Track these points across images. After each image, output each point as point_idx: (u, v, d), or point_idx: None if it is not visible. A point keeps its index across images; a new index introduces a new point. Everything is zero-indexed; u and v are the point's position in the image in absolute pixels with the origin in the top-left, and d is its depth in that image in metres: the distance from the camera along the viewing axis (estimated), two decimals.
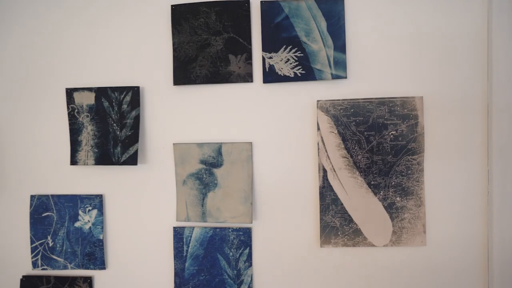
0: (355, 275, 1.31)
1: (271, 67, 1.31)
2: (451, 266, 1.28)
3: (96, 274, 1.42)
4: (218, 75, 1.33)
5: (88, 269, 1.41)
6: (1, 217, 1.45)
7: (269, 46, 1.31)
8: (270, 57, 1.31)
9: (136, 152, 1.35)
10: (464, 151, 1.26)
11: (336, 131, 1.29)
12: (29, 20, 1.41)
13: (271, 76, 1.31)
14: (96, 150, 1.37)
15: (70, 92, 1.39)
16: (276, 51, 1.31)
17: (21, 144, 1.43)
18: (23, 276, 1.44)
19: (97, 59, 1.39)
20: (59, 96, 1.41)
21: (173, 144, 1.36)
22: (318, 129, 1.30)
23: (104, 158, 1.37)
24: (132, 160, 1.35)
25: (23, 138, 1.43)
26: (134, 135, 1.36)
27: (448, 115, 1.26)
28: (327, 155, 1.30)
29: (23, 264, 1.44)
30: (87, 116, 1.38)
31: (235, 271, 1.35)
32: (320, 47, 1.29)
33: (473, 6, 1.24)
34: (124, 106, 1.36)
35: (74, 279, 1.42)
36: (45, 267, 1.42)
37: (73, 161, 1.39)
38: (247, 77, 1.32)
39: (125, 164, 1.36)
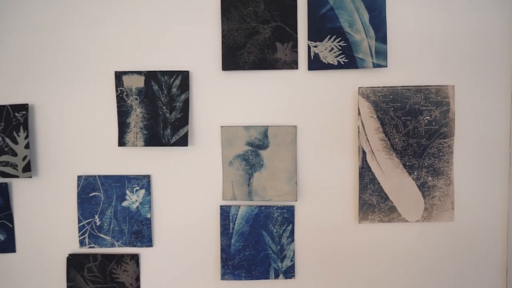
0: (390, 248, 1.43)
1: (316, 55, 1.40)
2: (475, 240, 1.43)
3: (142, 251, 1.48)
4: (265, 61, 1.41)
5: (135, 246, 1.46)
6: (49, 197, 1.47)
7: (314, 35, 1.39)
8: (315, 46, 1.40)
9: (186, 134, 1.41)
10: (489, 135, 1.40)
11: (375, 116, 1.40)
12: (81, 3, 1.43)
13: (315, 63, 1.40)
14: (146, 132, 1.42)
15: (119, 75, 1.42)
16: (321, 40, 1.39)
17: (69, 126, 1.46)
18: (70, 255, 1.48)
19: (146, 43, 1.43)
20: (107, 79, 1.44)
21: (221, 127, 1.43)
22: (359, 114, 1.40)
23: (153, 139, 1.42)
24: (183, 142, 1.41)
25: (71, 120, 1.46)
26: (183, 118, 1.41)
27: (476, 102, 1.40)
28: (367, 138, 1.41)
29: (70, 242, 1.48)
30: (136, 99, 1.43)
31: (278, 246, 1.44)
32: (362, 38, 1.38)
33: (503, 3, 1.37)
34: (174, 90, 1.42)
35: (121, 256, 1.47)
36: (92, 245, 1.47)
37: (121, 143, 1.43)
38: (293, 64, 1.41)
39: (175, 145, 1.41)
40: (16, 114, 1.45)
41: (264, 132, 1.42)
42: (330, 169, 1.43)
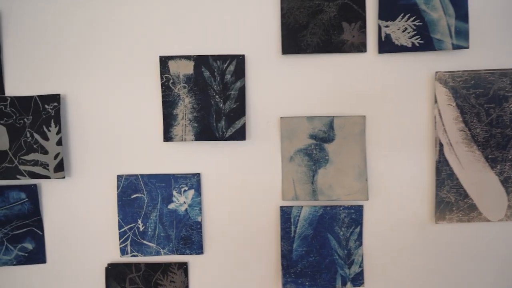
0: (470, 251, 1.29)
1: (388, 36, 1.25)
2: None
3: (192, 259, 1.31)
4: (330, 44, 1.25)
5: (183, 254, 1.30)
6: (84, 200, 1.30)
7: (386, 14, 1.24)
8: (387, 26, 1.24)
9: (243, 126, 1.25)
10: None
11: (454, 104, 1.25)
12: None
13: (387, 46, 1.25)
14: (196, 125, 1.26)
15: (164, 61, 1.25)
16: (393, 20, 1.24)
17: (106, 119, 1.29)
18: (109, 264, 1.30)
19: (195, 24, 1.26)
20: (151, 65, 1.27)
21: (280, 117, 1.27)
22: (436, 101, 1.25)
23: (205, 133, 1.25)
24: (239, 135, 1.25)
25: (108, 113, 1.29)
26: (240, 108, 1.25)
27: None
28: (444, 128, 1.26)
29: (109, 251, 1.31)
30: (184, 87, 1.26)
31: (345, 251, 1.29)
32: (440, 16, 1.23)
33: None
34: (228, 77, 1.25)
35: (167, 265, 1.30)
36: (135, 253, 1.30)
37: (167, 137, 1.26)
38: (361, 47, 1.25)
39: (231, 139, 1.25)
40: (46, 106, 1.27)
41: (330, 123, 1.26)
42: (403, 163, 1.28)
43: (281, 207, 1.28)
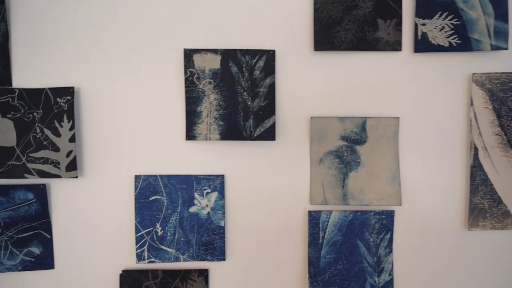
0: (504, 259, 1.25)
1: (424, 35, 1.19)
2: None
3: (213, 266, 1.23)
4: (364, 41, 1.19)
5: (204, 260, 1.22)
6: (98, 202, 1.20)
7: (423, 11, 1.19)
8: (423, 24, 1.19)
9: (273, 126, 1.17)
10: None
11: (490, 107, 1.21)
12: None
13: (423, 45, 1.19)
14: (222, 123, 1.18)
15: (189, 54, 1.17)
16: (431, 18, 1.19)
17: (124, 115, 1.20)
18: (123, 271, 1.21)
19: (222, 15, 1.18)
20: (174, 58, 1.18)
21: (311, 117, 1.20)
22: (471, 104, 1.21)
23: (232, 132, 1.18)
24: (269, 135, 1.18)
25: (126, 108, 1.20)
26: (269, 106, 1.18)
27: None
28: (479, 132, 1.21)
29: (124, 257, 1.22)
30: (210, 82, 1.18)
31: (375, 258, 1.23)
32: (479, 15, 1.19)
33: None
34: (257, 73, 1.18)
35: (187, 272, 1.22)
36: (153, 259, 1.21)
37: (190, 136, 1.18)
38: (396, 45, 1.19)
39: (259, 139, 1.18)
40: (59, 99, 1.17)
41: (362, 124, 1.20)
42: (436, 167, 1.23)
43: (309, 211, 1.22)
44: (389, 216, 1.22)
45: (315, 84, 1.20)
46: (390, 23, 1.19)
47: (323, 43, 1.19)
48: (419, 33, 1.19)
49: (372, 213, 1.22)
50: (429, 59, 1.21)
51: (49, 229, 1.21)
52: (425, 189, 1.23)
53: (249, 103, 1.18)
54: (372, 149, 1.21)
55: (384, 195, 1.21)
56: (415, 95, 1.21)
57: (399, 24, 1.19)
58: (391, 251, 1.23)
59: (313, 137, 1.21)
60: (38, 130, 1.17)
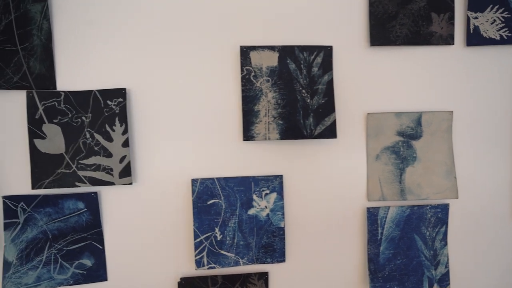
0: None
1: (476, 28, 1.20)
2: None
3: (273, 268, 1.21)
4: (418, 35, 1.19)
5: (264, 263, 1.19)
6: (153, 208, 1.15)
7: (475, 4, 1.20)
8: (476, 17, 1.20)
9: (334, 123, 1.16)
10: None
11: None
12: None
13: (475, 38, 1.20)
14: (281, 122, 1.15)
15: (245, 51, 1.13)
16: (482, 11, 1.20)
17: (178, 116, 1.14)
18: (182, 279, 1.17)
19: (278, 11, 1.15)
20: (230, 56, 1.14)
21: (368, 113, 1.19)
22: None
23: (292, 131, 1.15)
24: (330, 133, 1.16)
25: (180, 109, 1.14)
26: (328, 103, 1.16)
27: None
28: None
29: (183, 264, 1.17)
30: (267, 80, 1.14)
31: (431, 252, 1.24)
32: None
33: None
34: (315, 69, 1.15)
35: (246, 276, 1.19)
36: (212, 265, 1.17)
37: (248, 136, 1.15)
38: (449, 39, 1.20)
39: (320, 137, 1.15)
40: (109, 102, 1.11)
41: (418, 119, 1.20)
42: (490, 160, 1.25)
43: (367, 208, 1.21)
44: (444, 209, 1.24)
45: (370, 80, 1.19)
46: (444, 17, 1.19)
47: (379, 38, 1.18)
48: (471, 27, 1.20)
49: (428, 207, 1.23)
50: (481, 53, 1.22)
51: (101, 240, 1.15)
52: (478, 182, 1.25)
53: (308, 100, 1.15)
54: (428, 143, 1.21)
55: (441, 189, 1.22)
56: (468, 88, 1.22)
57: (452, 18, 1.20)
58: (446, 244, 1.25)
59: (369, 134, 1.20)
60: (88, 135, 1.11)
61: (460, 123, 1.23)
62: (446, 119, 1.21)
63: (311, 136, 1.15)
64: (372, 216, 1.22)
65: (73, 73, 1.11)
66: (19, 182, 1.11)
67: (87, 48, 1.11)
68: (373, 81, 1.19)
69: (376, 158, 1.21)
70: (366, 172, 1.21)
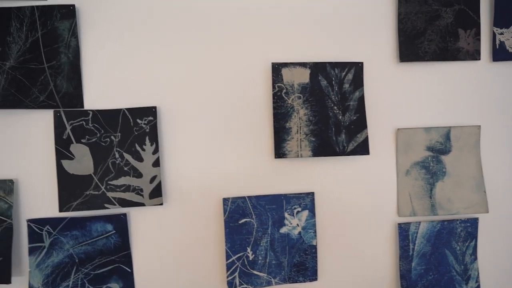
0: None
1: (502, 44, 1.22)
2: None
3: (303, 287, 1.19)
4: (446, 51, 1.19)
5: (296, 282, 1.17)
6: (184, 229, 1.12)
7: (500, 20, 1.21)
8: (501, 33, 1.21)
9: (366, 140, 1.15)
10: None
11: None
12: None
13: (501, 53, 1.22)
14: (313, 139, 1.13)
15: (277, 68, 1.12)
16: (508, 27, 1.21)
17: (207, 134, 1.12)
18: None
19: (309, 28, 1.14)
20: (260, 73, 1.13)
21: (397, 129, 1.19)
22: None
23: (324, 148, 1.14)
24: (362, 149, 1.15)
25: (210, 127, 1.12)
26: (360, 120, 1.15)
27: None
28: None
29: (214, 285, 1.14)
30: (299, 97, 1.13)
31: (462, 266, 1.24)
32: None
33: None
34: (346, 86, 1.15)
35: None
36: (245, 285, 1.14)
37: (279, 153, 1.13)
38: (475, 55, 1.21)
39: (353, 154, 1.14)
40: (139, 121, 1.08)
41: (447, 134, 1.21)
42: None
43: (399, 224, 1.20)
44: (474, 223, 1.24)
45: (400, 95, 1.19)
46: (470, 32, 1.21)
47: (408, 54, 1.18)
48: (497, 42, 1.21)
49: (458, 222, 1.23)
50: (506, 67, 1.23)
51: (129, 262, 1.11)
52: (508, 196, 1.25)
53: (340, 117, 1.15)
54: (457, 158, 1.22)
55: (471, 203, 1.22)
56: (495, 103, 1.23)
57: (478, 34, 1.21)
58: (476, 258, 1.25)
59: (399, 149, 1.20)
60: (117, 155, 1.07)
61: (488, 137, 1.23)
62: (474, 134, 1.22)
63: (343, 153, 1.14)
64: (403, 232, 1.21)
65: (101, 91, 1.08)
66: (45, 205, 1.07)
67: (115, 65, 1.09)
68: (402, 96, 1.19)
69: (406, 173, 1.21)
70: (396, 188, 1.21)
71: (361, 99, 1.15)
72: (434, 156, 1.21)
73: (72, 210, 1.06)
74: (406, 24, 1.18)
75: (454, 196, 1.22)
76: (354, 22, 1.16)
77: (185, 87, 1.11)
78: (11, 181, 1.06)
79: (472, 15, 1.20)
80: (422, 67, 1.20)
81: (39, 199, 1.07)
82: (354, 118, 1.15)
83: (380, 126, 1.19)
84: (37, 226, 1.07)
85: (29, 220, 1.07)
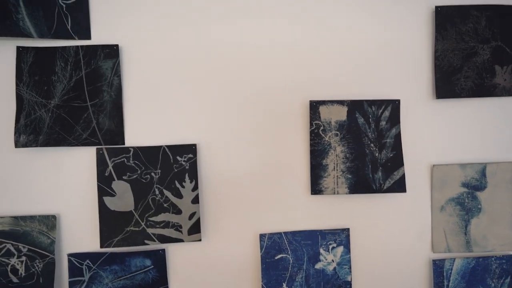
0: None
1: None
2: None
3: None
4: (482, 87, 1.19)
5: None
6: (221, 264, 1.13)
7: None
8: None
9: (403, 177, 1.15)
10: None
11: None
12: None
13: None
14: (350, 176, 1.14)
15: (315, 106, 1.13)
16: None
17: (245, 170, 1.13)
18: None
19: (345, 66, 1.15)
20: (298, 110, 1.14)
21: (433, 165, 1.19)
22: None
23: (361, 185, 1.14)
24: (399, 187, 1.15)
25: (247, 163, 1.13)
26: (397, 157, 1.15)
27: None
28: None
29: None
30: (336, 134, 1.14)
31: None
32: None
33: None
34: (383, 123, 1.15)
35: None
36: None
37: (316, 190, 1.14)
38: None
39: (389, 191, 1.15)
40: (179, 158, 1.10)
41: (482, 170, 1.20)
42: None
43: (433, 260, 1.20)
44: (509, 260, 1.23)
45: (436, 132, 1.19)
46: (507, 69, 1.20)
47: (445, 91, 1.18)
48: None
49: (493, 258, 1.22)
50: None
51: None
52: None
53: (377, 154, 1.15)
54: (492, 194, 1.21)
55: (507, 240, 1.21)
56: None
57: None
58: None
59: (434, 185, 1.20)
60: (157, 192, 1.09)
61: None
62: (510, 170, 1.21)
63: (380, 190, 1.15)
64: (438, 269, 1.21)
65: (142, 128, 1.10)
66: (86, 240, 1.09)
67: (155, 103, 1.10)
68: (438, 132, 1.19)
69: (441, 210, 1.21)
70: (431, 224, 1.21)
71: (398, 136, 1.16)
72: (470, 192, 1.21)
73: (113, 246, 1.07)
74: (442, 61, 1.18)
75: (490, 233, 1.21)
76: (391, 59, 1.16)
77: (223, 125, 1.12)
78: (53, 216, 1.08)
79: (509, 51, 1.20)
80: (458, 103, 1.20)
81: (80, 234, 1.09)
82: (391, 155, 1.15)
83: (415, 163, 1.19)
84: (78, 260, 1.09)
85: (69, 255, 1.09)
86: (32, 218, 1.07)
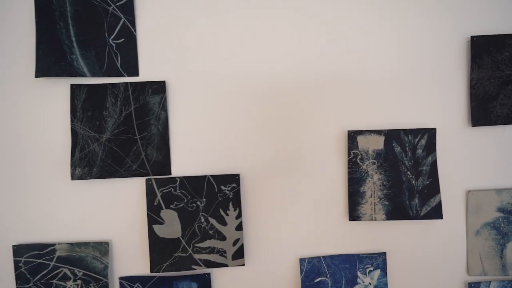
0: None
1: None
2: None
3: None
4: None
5: None
6: (266, 285, 1.19)
7: None
8: None
9: (439, 204, 1.18)
10: None
11: None
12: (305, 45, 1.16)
13: None
14: (387, 203, 1.18)
15: (353, 136, 1.17)
16: None
17: (284, 197, 1.18)
18: None
19: (382, 96, 1.18)
20: (336, 140, 1.18)
21: (468, 191, 1.21)
22: None
23: (398, 211, 1.18)
24: (436, 214, 1.18)
25: (286, 191, 1.18)
26: (433, 184, 1.18)
27: None
28: None
29: None
30: (373, 163, 1.18)
31: None
32: None
33: None
34: (419, 151, 1.18)
35: None
36: None
37: (354, 216, 1.18)
38: None
39: (426, 218, 1.18)
40: (223, 187, 1.15)
41: None
42: None
43: (469, 283, 1.23)
44: None
45: (471, 158, 1.22)
46: None
47: (480, 119, 1.20)
48: None
49: None
50: None
51: None
52: None
53: (413, 182, 1.18)
54: None
55: None
56: None
57: None
58: None
59: (470, 210, 1.22)
60: (202, 219, 1.15)
61: None
62: None
63: (417, 217, 1.18)
64: None
65: (187, 159, 1.16)
66: (136, 265, 1.16)
67: (200, 135, 1.16)
68: (474, 159, 1.22)
69: (476, 234, 1.23)
70: (466, 247, 1.23)
71: (434, 164, 1.19)
72: (505, 217, 1.23)
73: (162, 271, 1.14)
74: (478, 89, 1.20)
75: None
76: (427, 88, 1.19)
77: (265, 154, 1.17)
78: (106, 243, 1.15)
79: None
80: (494, 130, 1.22)
81: (131, 259, 1.16)
82: (427, 182, 1.18)
83: (451, 189, 1.22)
84: (128, 283, 1.16)
85: (121, 278, 1.16)
86: (86, 244, 1.15)
